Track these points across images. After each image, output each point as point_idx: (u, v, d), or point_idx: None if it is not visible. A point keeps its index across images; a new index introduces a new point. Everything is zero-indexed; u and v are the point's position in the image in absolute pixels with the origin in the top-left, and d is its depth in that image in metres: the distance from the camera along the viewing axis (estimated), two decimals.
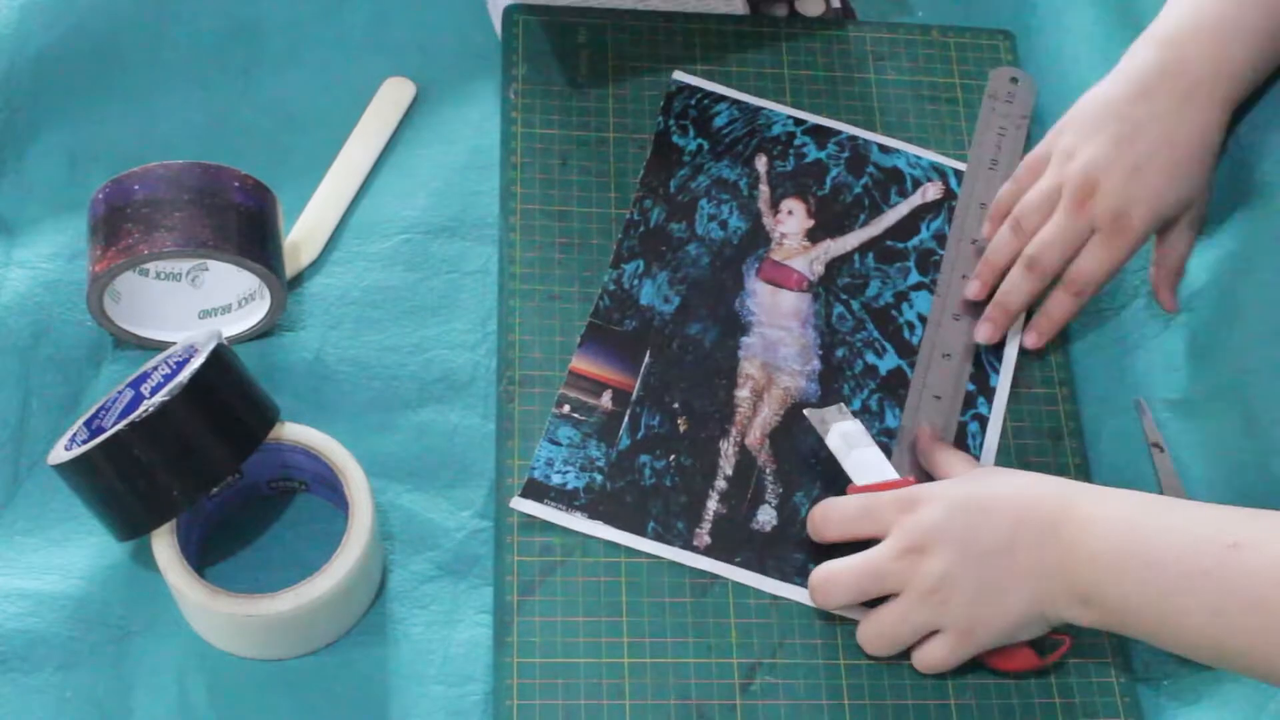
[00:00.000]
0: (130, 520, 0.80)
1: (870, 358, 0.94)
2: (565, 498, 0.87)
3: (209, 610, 0.79)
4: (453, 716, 0.82)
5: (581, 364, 0.91)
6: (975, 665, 0.85)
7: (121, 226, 0.85)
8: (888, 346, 0.94)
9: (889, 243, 0.98)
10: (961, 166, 1.02)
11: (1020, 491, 0.82)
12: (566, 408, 0.89)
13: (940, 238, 0.99)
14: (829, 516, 0.85)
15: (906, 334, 0.95)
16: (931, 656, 0.83)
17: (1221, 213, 0.94)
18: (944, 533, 0.81)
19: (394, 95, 1.00)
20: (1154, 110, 0.89)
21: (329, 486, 0.84)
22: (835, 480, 0.88)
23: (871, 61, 1.05)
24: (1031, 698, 0.85)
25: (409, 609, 0.85)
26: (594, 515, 0.87)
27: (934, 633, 0.83)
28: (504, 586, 0.84)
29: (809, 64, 1.03)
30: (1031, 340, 0.94)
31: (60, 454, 0.80)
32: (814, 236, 0.98)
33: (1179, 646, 0.78)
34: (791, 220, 0.98)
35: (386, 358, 0.91)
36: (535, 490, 0.87)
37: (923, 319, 0.95)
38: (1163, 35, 0.90)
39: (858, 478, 0.87)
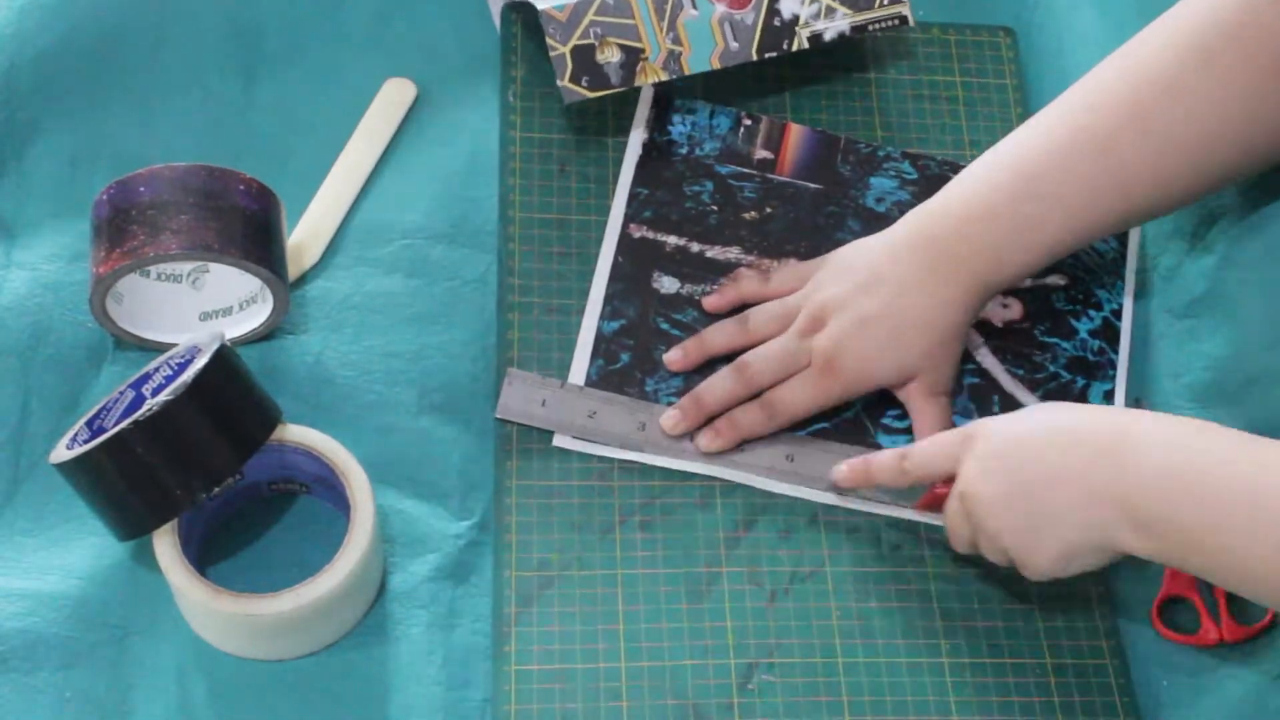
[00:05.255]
0: (131, 520, 0.80)
1: None
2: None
3: (210, 610, 0.79)
4: (452, 718, 0.82)
5: None
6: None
7: (126, 228, 0.85)
8: None
9: None
10: None
11: (1076, 420, 0.79)
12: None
13: None
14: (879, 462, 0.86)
15: None
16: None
17: (1212, 223, 0.94)
18: (993, 473, 0.79)
19: (395, 96, 1.00)
20: (898, 273, 0.88)
21: (330, 488, 0.85)
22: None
23: (871, 60, 1.04)
24: (1030, 696, 0.85)
25: (409, 610, 0.85)
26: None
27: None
28: (502, 600, 0.84)
29: (807, 62, 1.03)
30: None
31: (62, 453, 0.80)
32: None
33: (1241, 584, 0.73)
34: None
35: (387, 363, 0.91)
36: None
37: None
38: (929, 207, 0.89)
39: None
